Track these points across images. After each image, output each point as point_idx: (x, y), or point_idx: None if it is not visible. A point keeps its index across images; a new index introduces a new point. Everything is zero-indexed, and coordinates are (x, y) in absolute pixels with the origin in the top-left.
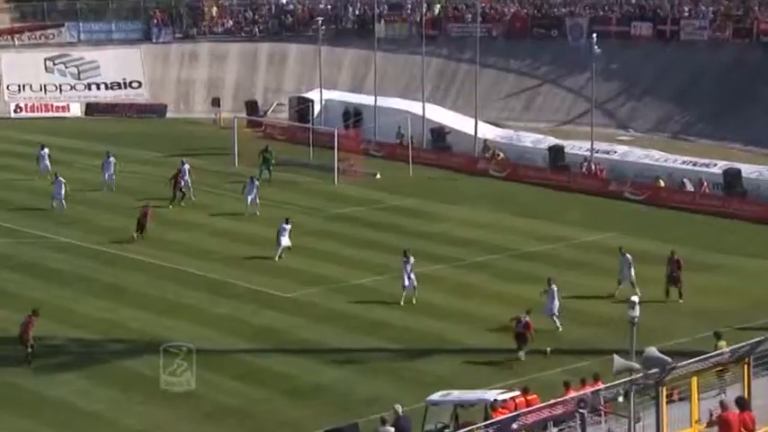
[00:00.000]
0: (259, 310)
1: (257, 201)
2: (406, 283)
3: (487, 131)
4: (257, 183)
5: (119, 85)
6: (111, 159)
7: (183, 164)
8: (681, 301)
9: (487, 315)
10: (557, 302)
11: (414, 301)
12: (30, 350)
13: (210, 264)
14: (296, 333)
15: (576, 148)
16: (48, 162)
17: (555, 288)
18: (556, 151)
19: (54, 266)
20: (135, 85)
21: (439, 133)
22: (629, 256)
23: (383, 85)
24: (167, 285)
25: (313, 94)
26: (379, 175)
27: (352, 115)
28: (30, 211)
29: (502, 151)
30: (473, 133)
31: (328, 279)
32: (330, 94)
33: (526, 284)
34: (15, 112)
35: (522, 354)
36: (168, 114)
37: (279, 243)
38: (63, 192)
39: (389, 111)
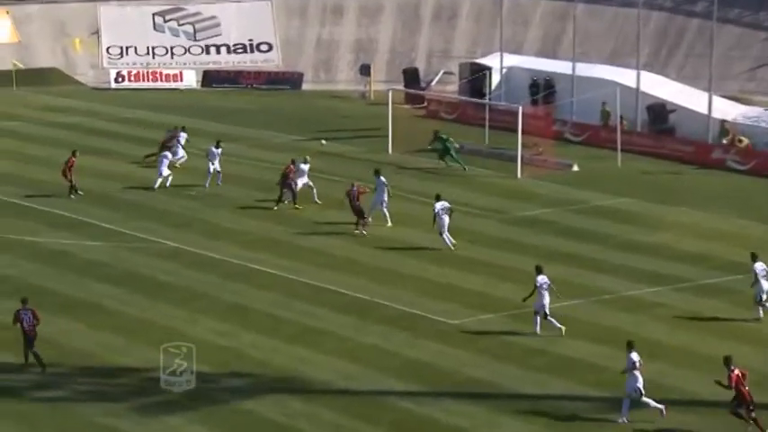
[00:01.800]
0: (416, 340)
1: (384, 205)
2: None
3: (726, 110)
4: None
5: (243, 47)
6: (217, 151)
7: (302, 162)
8: None
9: (718, 354)
10: None
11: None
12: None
13: (355, 278)
14: (465, 372)
15: None
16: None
17: None
18: None
19: (162, 279)
20: (264, 47)
21: (659, 112)
22: None
23: (584, 48)
24: (300, 305)
25: (491, 60)
26: (576, 167)
27: (542, 88)
28: (131, 207)
29: (745, 136)
30: (706, 112)
31: (508, 303)
32: (513, 60)
33: None
34: (116, 81)
35: None
36: (304, 86)
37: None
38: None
39: (592, 82)
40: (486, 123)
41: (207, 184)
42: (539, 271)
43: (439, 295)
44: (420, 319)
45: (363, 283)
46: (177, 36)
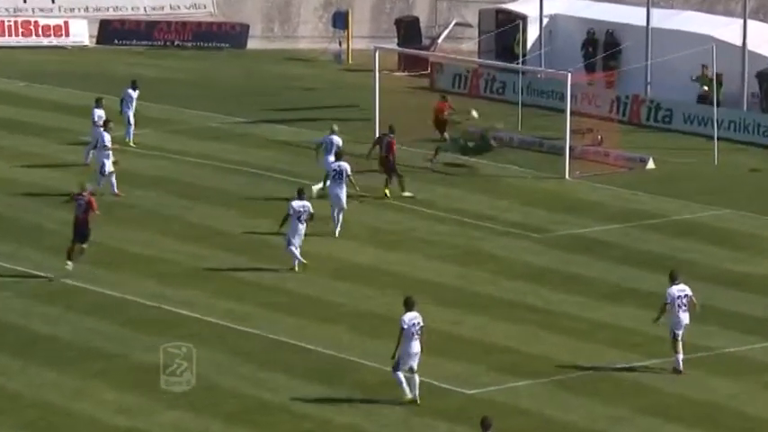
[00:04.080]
0: (413, 418)
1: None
2: None
3: None
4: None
5: None
6: (134, 94)
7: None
8: None
9: None
10: None
11: None
12: None
13: (324, 326)
14: None
15: None
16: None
17: None
18: None
19: (39, 330)
20: None
21: None
22: None
23: None
24: (247, 369)
25: (526, 6)
26: (651, 164)
27: (601, 46)
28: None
29: None
30: None
31: (550, 362)
32: (560, 5)
33: None
34: None
35: None
36: (251, 43)
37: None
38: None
39: (677, 37)
40: (520, 98)
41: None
42: (673, 279)
43: (447, 351)
44: (421, 387)
45: (336, 333)
46: None
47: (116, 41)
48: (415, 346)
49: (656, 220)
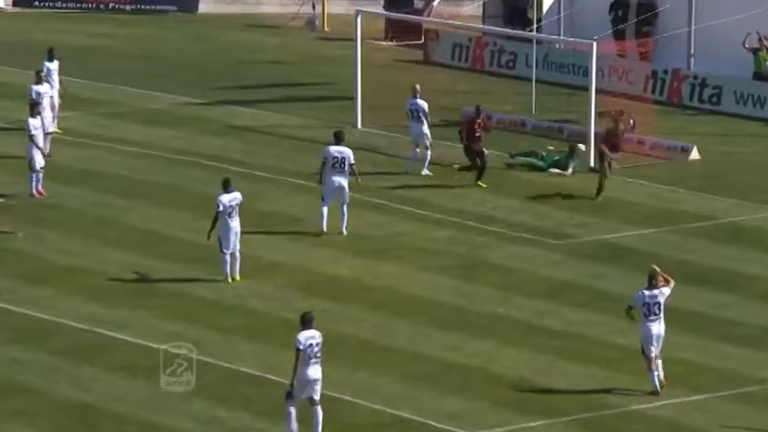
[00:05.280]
0: None
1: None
2: None
3: None
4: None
5: None
6: (53, 66)
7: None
8: None
9: None
10: None
11: None
12: None
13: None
14: None
15: None
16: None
17: None
18: None
19: None
20: None
21: None
22: None
23: None
24: (199, 406)
25: None
26: (696, 153)
27: (634, 9)
28: None
29: None
30: None
31: (574, 400)
32: None
33: None
34: None
35: None
36: (203, 6)
37: None
38: None
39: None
40: (534, 75)
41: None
42: (651, 280)
43: (445, 384)
44: (416, 428)
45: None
46: None
47: (37, 3)
48: (314, 372)
49: (702, 223)
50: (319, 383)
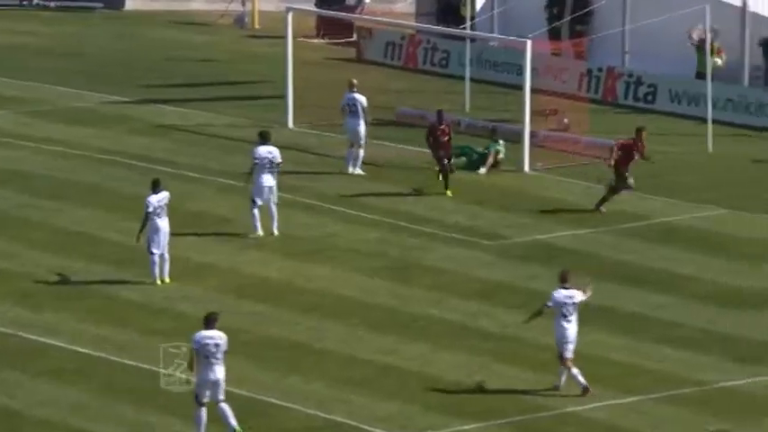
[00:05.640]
0: None
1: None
2: None
3: None
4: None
5: None
6: None
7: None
8: None
9: None
10: None
11: None
12: None
13: (236, 360)
14: None
15: None
16: None
17: None
18: None
19: None
20: None
21: None
22: None
23: None
24: (123, 409)
25: None
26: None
27: (569, 7)
28: None
29: None
30: None
31: (510, 401)
32: None
33: None
34: None
35: None
36: (130, 3)
37: None
38: None
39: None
40: (467, 73)
41: None
42: (563, 281)
43: (378, 387)
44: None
45: (241, 367)
46: None
47: None
48: (216, 373)
49: (637, 224)
50: (222, 384)
